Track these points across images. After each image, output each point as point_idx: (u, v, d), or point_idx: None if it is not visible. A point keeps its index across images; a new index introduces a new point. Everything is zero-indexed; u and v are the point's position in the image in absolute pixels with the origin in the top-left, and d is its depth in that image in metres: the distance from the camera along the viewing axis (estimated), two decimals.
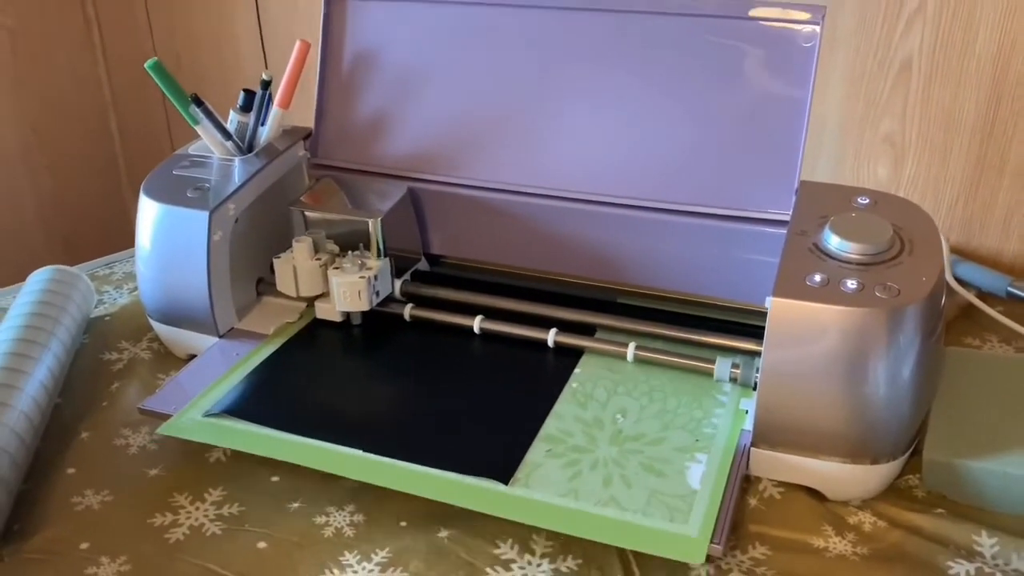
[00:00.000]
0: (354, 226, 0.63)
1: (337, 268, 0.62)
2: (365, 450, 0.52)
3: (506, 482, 0.50)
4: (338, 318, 0.64)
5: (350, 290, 0.61)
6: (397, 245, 0.65)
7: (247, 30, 1.15)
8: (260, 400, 0.57)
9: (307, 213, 0.65)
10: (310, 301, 0.65)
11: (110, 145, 1.32)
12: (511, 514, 0.48)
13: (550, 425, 0.55)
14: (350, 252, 0.63)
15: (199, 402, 0.57)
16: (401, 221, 0.66)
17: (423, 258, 0.70)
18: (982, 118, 0.76)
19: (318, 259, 0.63)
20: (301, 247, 0.63)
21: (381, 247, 0.63)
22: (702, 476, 0.50)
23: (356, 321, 0.64)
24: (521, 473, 0.51)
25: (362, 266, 0.62)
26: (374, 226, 0.63)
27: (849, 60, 0.79)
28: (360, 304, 0.62)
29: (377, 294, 0.63)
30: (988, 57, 0.74)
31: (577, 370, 0.59)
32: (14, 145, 1.20)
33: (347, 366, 0.62)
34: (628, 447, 0.53)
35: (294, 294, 0.63)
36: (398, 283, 0.65)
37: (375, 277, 0.62)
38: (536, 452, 0.52)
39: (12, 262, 1.21)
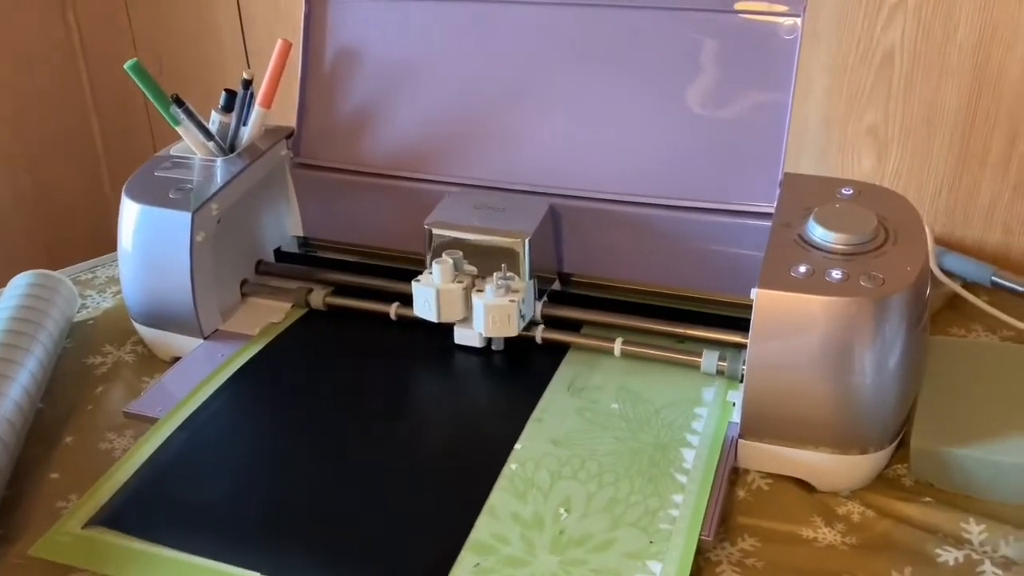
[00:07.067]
0: (494, 246, 0.59)
1: (480, 291, 0.58)
2: (263, 571, 0.45)
3: None
4: (479, 343, 0.61)
5: (499, 315, 0.58)
6: (539, 265, 0.61)
7: (229, 31, 1.14)
8: (149, 504, 0.50)
9: (444, 232, 0.60)
10: (449, 326, 0.61)
11: (92, 148, 1.31)
12: None
13: (482, 528, 0.47)
14: (495, 274, 0.58)
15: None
16: (544, 240, 0.62)
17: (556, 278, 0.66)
18: (964, 109, 0.76)
19: (459, 281, 0.59)
20: (442, 268, 0.58)
21: (527, 268, 0.59)
22: None
23: (498, 347, 0.61)
24: None
25: (508, 289, 0.58)
26: (521, 246, 0.59)
27: (831, 53, 0.79)
28: (509, 329, 0.58)
29: (523, 317, 0.59)
30: (969, 48, 0.74)
31: (517, 446, 0.52)
32: None
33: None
34: (571, 555, 0.45)
35: (434, 319, 0.59)
36: (539, 304, 0.61)
37: (522, 300, 0.58)
38: (463, 568, 0.45)
39: None
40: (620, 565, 0.45)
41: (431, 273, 0.59)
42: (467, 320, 0.60)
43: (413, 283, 0.59)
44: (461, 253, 0.60)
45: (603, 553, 0.46)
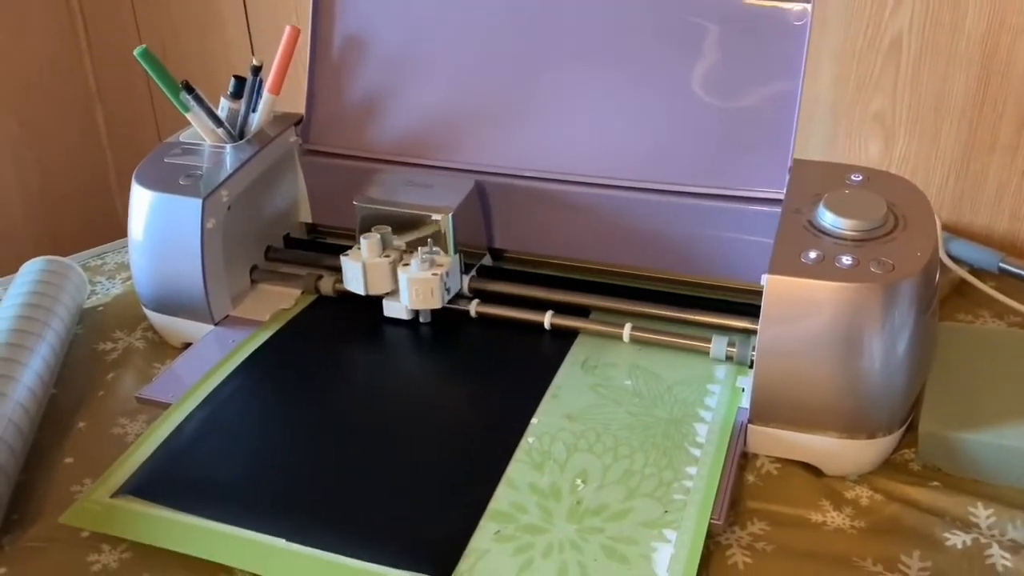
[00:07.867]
0: (419, 221, 0.61)
1: (406, 265, 0.61)
2: (288, 538, 0.46)
3: None
4: (406, 316, 0.62)
5: (422, 288, 0.60)
6: (465, 240, 0.63)
7: (232, 18, 1.14)
8: (177, 473, 0.51)
9: (373, 207, 0.62)
10: (378, 299, 0.63)
11: (96, 137, 1.30)
12: None
13: (501, 497, 0.49)
14: (419, 248, 0.61)
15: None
16: (470, 215, 0.64)
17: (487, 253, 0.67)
18: (972, 96, 0.76)
19: (387, 256, 0.61)
20: (369, 244, 0.60)
21: (452, 243, 0.61)
22: (670, 560, 0.45)
23: (425, 319, 0.63)
24: (465, 565, 0.45)
25: (432, 263, 0.60)
26: (445, 221, 0.61)
27: (839, 39, 0.79)
28: (433, 302, 0.60)
29: (448, 291, 0.61)
30: (977, 35, 0.74)
31: (534, 420, 0.54)
32: (0, 139, 1.19)
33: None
34: (588, 524, 0.47)
35: (362, 292, 0.61)
36: (466, 279, 0.63)
37: (447, 274, 0.60)
38: (483, 535, 0.46)
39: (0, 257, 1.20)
40: (636, 533, 0.46)
41: (359, 248, 0.61)
42: (395, 293, 0.62)
43: (342, 257, 0.62)
44: (390, 228, 0.62)
45: (619, 522, 0.47)
